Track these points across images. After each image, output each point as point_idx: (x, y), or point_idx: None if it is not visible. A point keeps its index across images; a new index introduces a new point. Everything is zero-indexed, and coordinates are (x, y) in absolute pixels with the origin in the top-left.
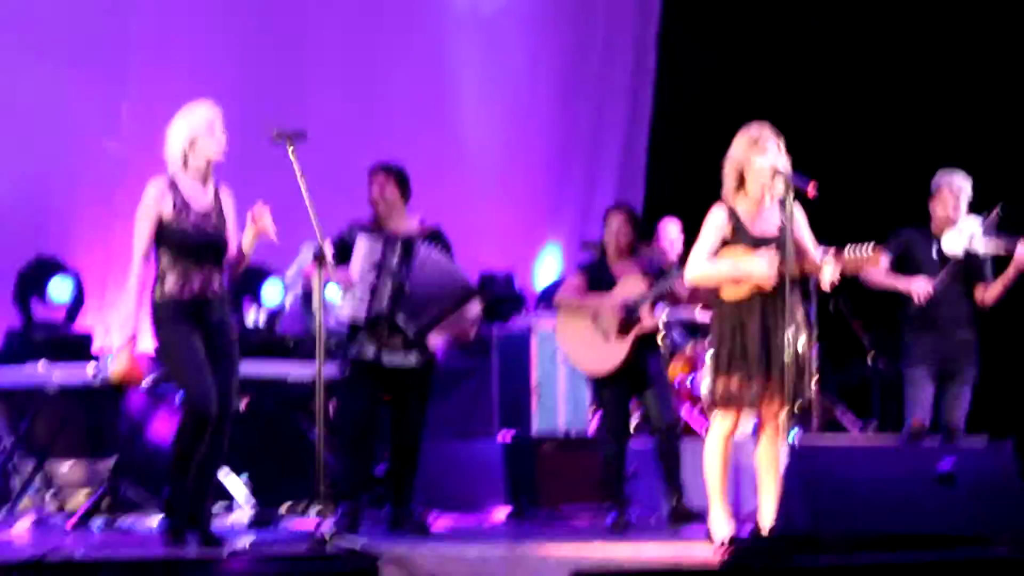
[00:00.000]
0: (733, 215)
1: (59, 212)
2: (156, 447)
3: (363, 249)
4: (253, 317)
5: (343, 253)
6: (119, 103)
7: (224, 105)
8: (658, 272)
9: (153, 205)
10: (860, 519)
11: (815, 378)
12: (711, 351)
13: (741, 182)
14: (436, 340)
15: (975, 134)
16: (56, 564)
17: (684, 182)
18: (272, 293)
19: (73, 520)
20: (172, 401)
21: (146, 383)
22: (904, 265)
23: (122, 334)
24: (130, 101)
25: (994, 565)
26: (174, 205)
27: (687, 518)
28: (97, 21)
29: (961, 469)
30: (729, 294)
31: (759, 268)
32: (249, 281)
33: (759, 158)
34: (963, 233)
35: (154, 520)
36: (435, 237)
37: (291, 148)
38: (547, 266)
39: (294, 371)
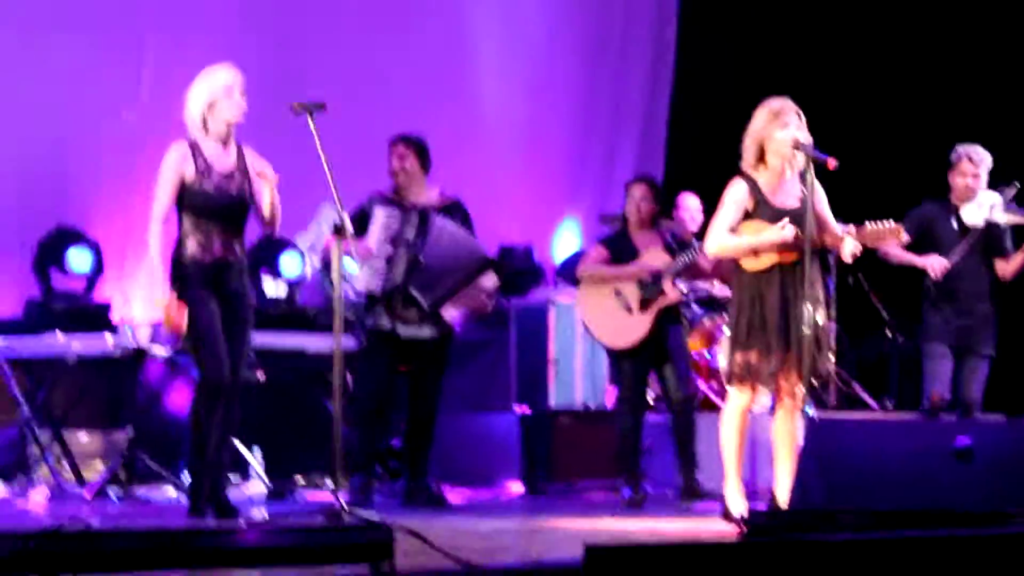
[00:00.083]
0: (754, 188)
1: (79, 182)
2: (173, 418)
3: (381, 220)
4: (272, 288)
5: (362, 224)
6: (138, 73)
7: (243, 74)
8: (680, 245)
9: (173, 168)
10: (876, 495)
11: (833, 353)
12: (730, 324)
13: (761, 155)
14: (452, 312)
15: (993, 110)
16: (73, 534)
17: (704, 156)
18: (290, 264)
19: (90, 490)
20: (189, 372)
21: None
22: (924, 239)
23: (159, 288)
24: (149, 71)
25: (1011, 541)
26: (195, 168)
27: (698, 496)
28: None
29: (978, 445)
30: (749, 266)
31: (778, 235)
32: (267, 252)
33: (780, 131)
34: (983, 205)
35: (171, 490)
36: (454, 208)
37: (311, 119)
38: (566, 240)
39: (312, 343)
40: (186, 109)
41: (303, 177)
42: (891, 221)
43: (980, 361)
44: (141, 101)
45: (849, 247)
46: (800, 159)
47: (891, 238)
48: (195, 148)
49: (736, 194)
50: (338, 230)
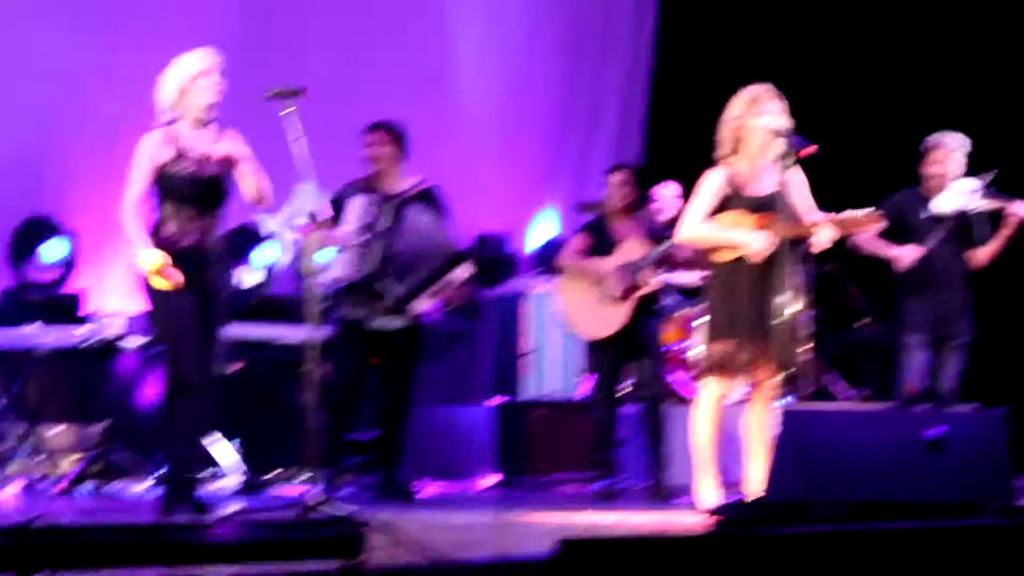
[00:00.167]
0: (729, 178)
1: (54, 173)
2: (147, 411)
3: (356, 209)
4: (245, 278)
5: (336, 213)
6: (115, 62)
7: (223, 62)
8: (659, 235)
9: (148, 154)
10: (851, 486)
11: (808, 344)
12: (704, 316)
13: (738, 144)
14: (422, 304)
15: (974, 96)
16: (43, 529)
17: (682, 148)
18: (265, 254)
19: (62, 485)
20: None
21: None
22: (897, 228)
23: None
24: (126, 59)
25: (981, 533)
26: (172, 153)
27: (666, 496)
28: None
29: (951, 436)
30: (723, 256)
31: (752, 244)
32: (241, 241)
33: (757, 119)
34: (957, 193)
35: (144, 485)
36: (429, 197)
37: (289, 107)
38: (542, 229)
39: (286, 334)
40: (159, 94)
41: (284, 165)
42: (869, 210)
43: (956, 350)
44: (117, 89)
45: (824, 235)
46: (779, 146)
47: (869, 225)
48: (170, 133)
49: (711, 184)
50: (313, 218)
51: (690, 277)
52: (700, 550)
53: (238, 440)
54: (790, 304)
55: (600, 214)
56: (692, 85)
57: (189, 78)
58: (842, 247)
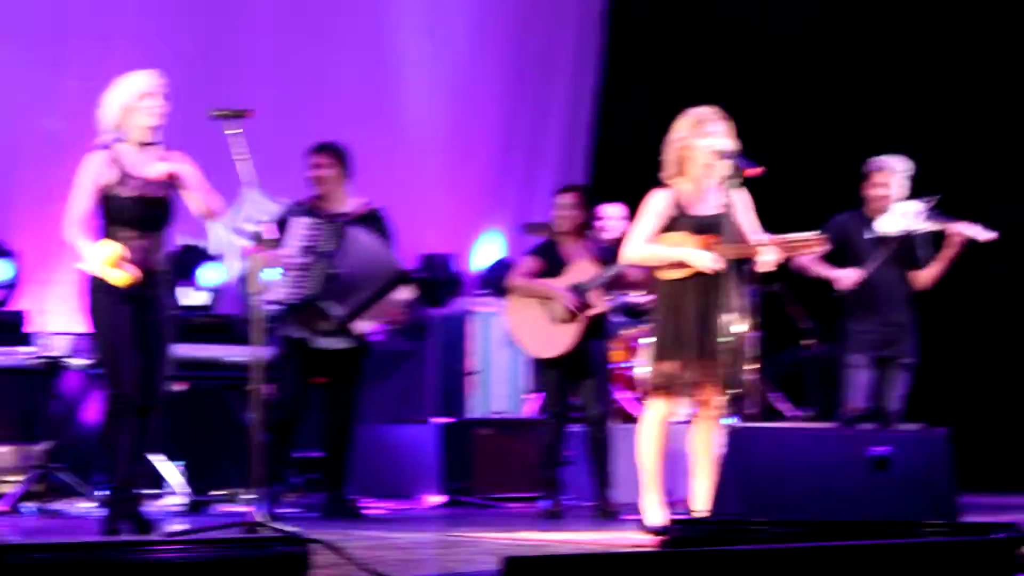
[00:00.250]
0: (674, 198)
1: None
2: (90, 431)
3: (299, 230)
4: (191, 298)
5: (280, 233)
6: (58, 82)
7: (167, 84)
8: (609, 256)
9: (91, 176)
10: (795, 505)
11: (753, 364)
12: (650, 335)
13: (683, 164)
14: (365, 324)
15: (918, 119)
16: None
17: (628, 169)
18: (209, 274)
19: (5, 505)
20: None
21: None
22: (840, 250)
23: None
24: (69, 80)
25: (926, 550)
26: (114, 175)
27: (610, 514)
28: None
29: (895, 455)
30: (668, 275)
31: (699, 261)
32: (186, 261)
33: (702, 140)
34: (900, 214)
35: (87, 504)
36: (373, 218)
37: (234, 128)
38: (487, 250)
39: (231, 353)
40: (101, 115)
41: (225, 185)
42: (815, 233)
43: (901, 370)
44: (62, 109)
45: (769, 256)
46: (724, 167)
47: (814, 246)
48: (113, 156)
49: (656, 204)
50: (258, 238)
51: (636, 296)
52: (645, 568)
53: (183, 459)
54: (735, 324)
55: (549, 235)
56: (637, 106)
57: (132, 99)
58: (787, 268)
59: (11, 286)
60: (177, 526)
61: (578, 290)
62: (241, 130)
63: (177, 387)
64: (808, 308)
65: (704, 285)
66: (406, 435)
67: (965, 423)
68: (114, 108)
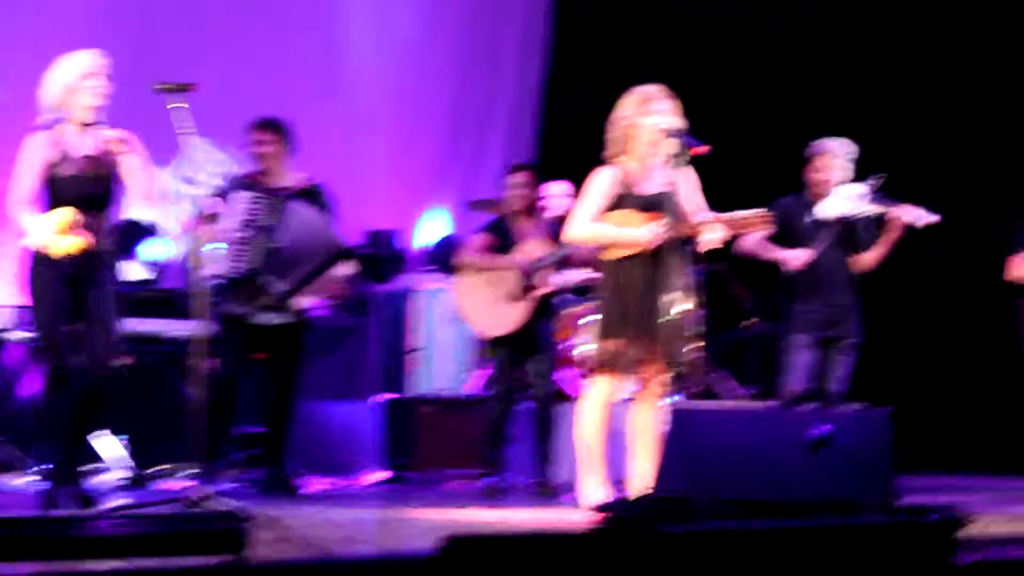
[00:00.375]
0: (619, 177)
1: None
2: (31, 405)
3: (240, 204)
4: (134, 272)
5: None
6: (8, 58)
7: (115, 61)
8: (559, 234)
9: (31, 157)
10: (737, 484)
11: (697, 343)
12: (593, 314)
13: (627, 143)
14: (305, 299)
15: (863, 102)
16: None
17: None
18: (153, 249)
19: None
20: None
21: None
22: (782, 233)
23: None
24: (20, 56)
25: (863, 531)
26: (57, 155)
27: (551, 493)
28: None
29: (836, 435)
30: (612, 254)
31: (640, 237)
32: (130, 236)
33: (647, 118)
34: (841, 198)
35: (27, 479)
36: (314, 193)
37: (178, 102)
38: (430, 227)
39: (173, 328)
40: (43, 95)
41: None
42: (758, 209)
43: (845, 351)
44: (7, 88)
45: (713, 235)
46: (669, 146)
47: (758, 225)
48: (54, 136)
49: (600, 183)
50: (201, 214)
51: (581, 275)
52: (585, 547)
53: (126, 433)
54: (679, 303)
55: (497, 213)
56: (584, 84)
57: (75, 79)
58: (731, 247)
59: None
60: (119, 500)
61: (528, 270)
62: (186, 104)
63: (121, 361)
64: (751, 287)
65: (648, 264)
66: (348, 412)
67: (908, 404)
68: (56, 88)
